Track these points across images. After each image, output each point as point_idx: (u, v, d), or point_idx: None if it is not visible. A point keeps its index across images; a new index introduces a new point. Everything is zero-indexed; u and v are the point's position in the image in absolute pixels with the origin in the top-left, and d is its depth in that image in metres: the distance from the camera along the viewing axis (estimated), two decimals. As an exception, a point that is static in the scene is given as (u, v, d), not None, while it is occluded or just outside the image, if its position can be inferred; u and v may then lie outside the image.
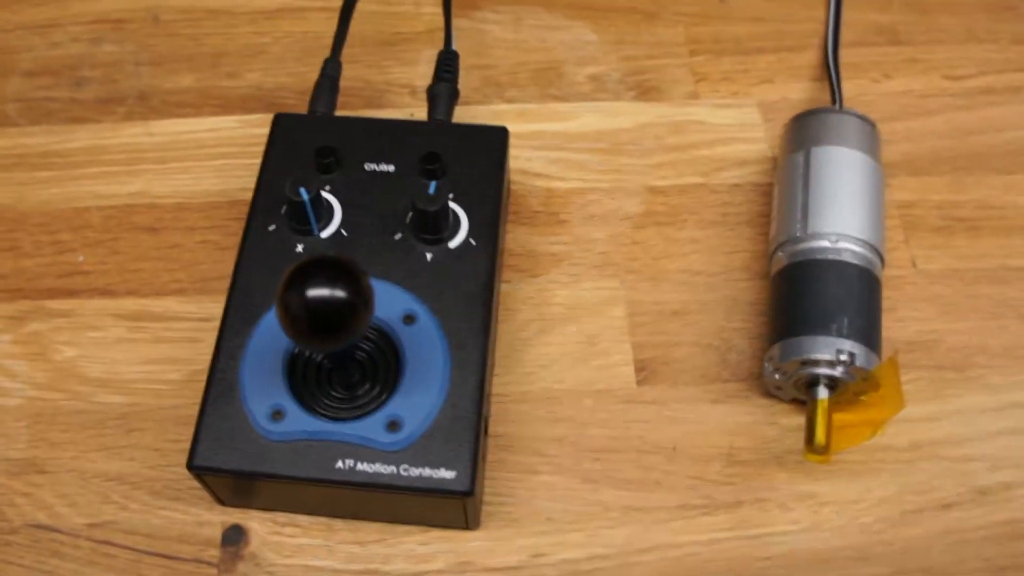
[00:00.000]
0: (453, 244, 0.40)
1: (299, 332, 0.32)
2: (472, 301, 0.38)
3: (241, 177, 0.47)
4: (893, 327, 0.44)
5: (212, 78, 0.51)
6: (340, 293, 0.31)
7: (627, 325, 0.43)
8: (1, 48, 0.53)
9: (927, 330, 0.44)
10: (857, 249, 0.41)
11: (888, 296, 0.44)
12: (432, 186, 0.40)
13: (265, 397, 0.36)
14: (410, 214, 0.40)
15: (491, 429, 0.40)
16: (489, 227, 0.40)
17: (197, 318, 0.43)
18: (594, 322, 0.43)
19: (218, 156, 0.48)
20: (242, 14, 0.54)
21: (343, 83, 0.47)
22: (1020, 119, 0.51)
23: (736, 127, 0.50)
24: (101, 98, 0.51)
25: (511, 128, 0.47)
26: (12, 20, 0.54)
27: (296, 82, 0.50)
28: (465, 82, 0.50)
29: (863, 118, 0.45)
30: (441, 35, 0.50)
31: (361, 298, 0.32)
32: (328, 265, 0.32)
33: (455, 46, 0.49)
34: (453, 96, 0.45)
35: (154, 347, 0.43)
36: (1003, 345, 0.44)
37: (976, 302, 0.45)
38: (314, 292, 0.31)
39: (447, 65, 0.46)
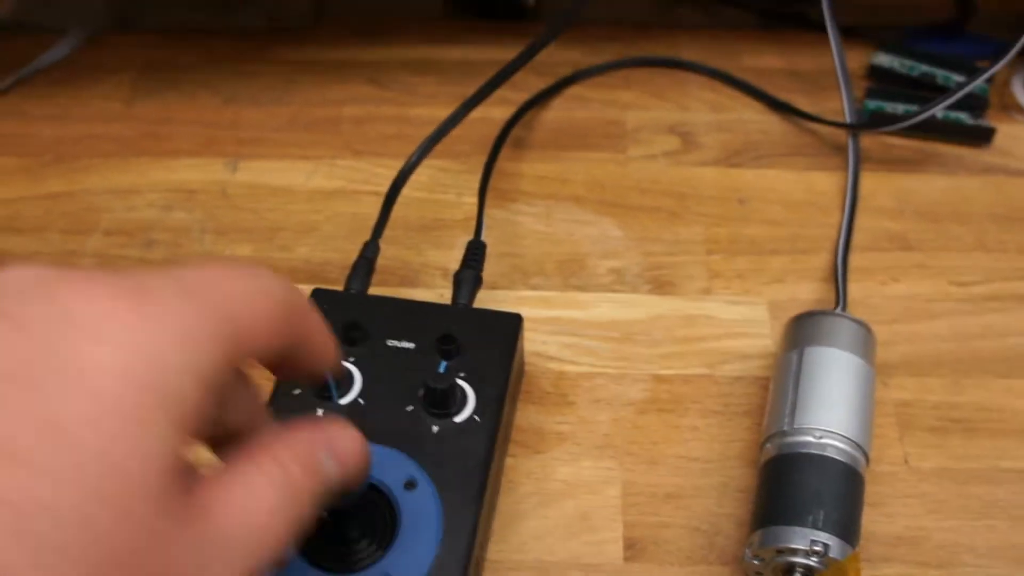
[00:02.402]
0: (459, 419, 0.43)
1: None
2: (470, 473, 0.41)
3: (282, 342, 0.51)
4: (880, 521, 0.46)
5: (267, 249, 0.56)
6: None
7: (620, 504, 0.46)
8: (88, 207, 0.59)
9: (914, 526, 0.46)
10: (840, 445, 0.43)
11: (877, 491, 0.46)
12: (443, 366, 0.44)
13: (271, 548, 0.39)
14: (422, 389, 0.43)
15: (483, 594, 0.43)
16: (494, 406, 0.44)
17: (227, 471, 0.47)
18: (590, 500, 0.46)
19: (264, 322, 0.53)
20: (301, 193, 0.59)
21: (383, 261, 0.52)
22: (1023, 326, 0.53)
23: (744, 323, 0.53)
24: (166, 259, 0.56)
25: (532, 314, 0.51)
26: (100, 184, 0.60)
27: (341, 258, 0.55)
28: (495, 268, 0.54)
29: (858, 322, 0.47)
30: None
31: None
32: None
33: (489, 235, 0.54)
34: (476, 282, 0.49)
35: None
36: (990, 545, 0.45)
37: (966, 501, 0.47)
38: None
39: (474, 253, 0.51)
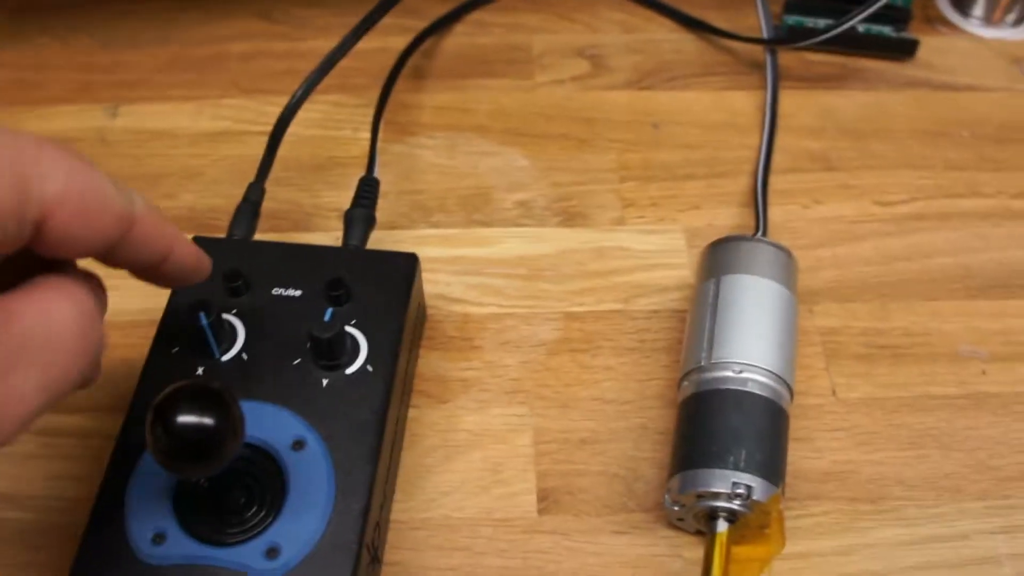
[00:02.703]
0: (350, 371, 0.40)
1: (163, 458, 0.32)
2: (363, 429, 0.38)
3: (164, 296, 0.47)
4: (809, 457, 0.43)
5: (150, 198, 0.51)
6: (206, 420, 0.31)
7: (533, 453, 0.43)
8: (-47, 166, 0.54)
9: (843, 460, 0.43)
10: (762, 380, 0.40)
11: (805, 426, 0.44)
12: (328, 313, 0.41)
13: (149, 519, 0.36)
14: (309, 340, 0.40)
15: (386, 556, 0.40)
16: (388, 354, 0.40)
17: (105, 435, 0.43)
18: (499, 449, 0.43)
19: (145, 276, 0.49)
20: (184, 136, 0.55)
21: (275, 205, 0.49)
22: (949, 245, 0.51)
23: (659, 253, 0.50)
24: (42, 217, 0.52)
25: (433, 253, 0.48)
26: (-35, 139, 0.56)
27: (228, 204, 0.50)
28: (394, 207, 0.51)
29: (777, 246, 0.45)
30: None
31: (227, 426, 0.32)
32: (195, 393, 0.32)
33: (387, 171, 0.51)
34: (369, 222, 0.46)
35: (62, 463, 0.43)
36: (921, 476, 0.43)
37: (896, 431, 0.44)
38: (181, 419, 0.31)
39: (366, 191, 0.47)
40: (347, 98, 0.56)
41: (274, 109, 0.54)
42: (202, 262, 0.36)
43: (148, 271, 0.34)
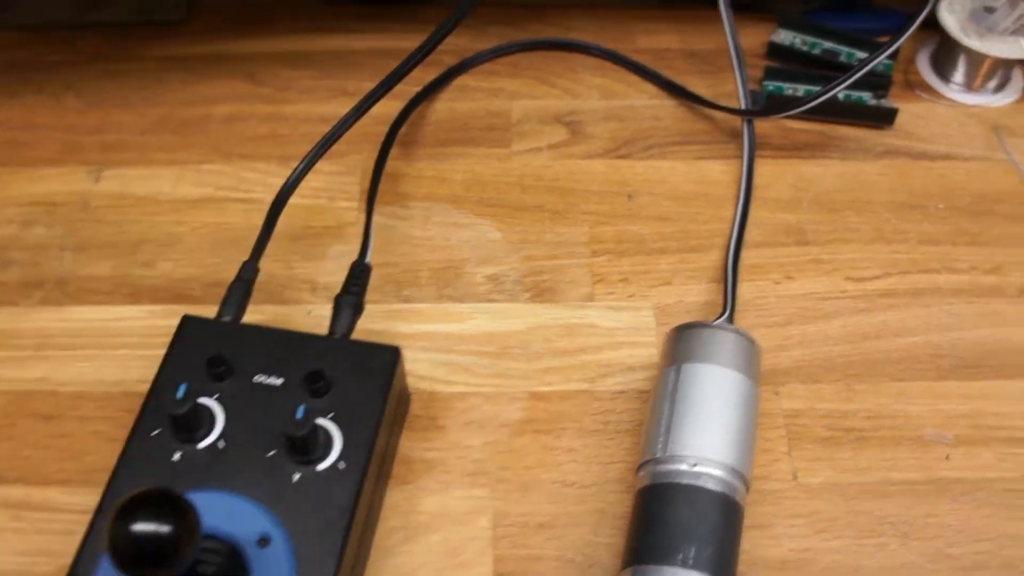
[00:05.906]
0: (321, 467, 0.40)
1: (119, 563, 0.32)
2: (330, 528, 0.39)
3: (139, 368, 0.48)
4: (766, 545, 0.44)
5: (128, 266, 0.53)
6: (163, 529, 0.32)
7: (491, 536, 0.44)
8: (-63, 228, 0.55)
9: (801, 548, 0.44)
10: (716, 473, 0.41)
11: (765, 512, 0.44)
12: (301, 410, 0.41)
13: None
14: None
15: (342, 645, 0.41)
16: (362, 450, 0.40)
17: (78, 510, 0.44)
18: (459, 532, 0.44)
19: (120, 346, 0.50)
20: (166, 202, 0.56)
21: (247, 276, 0.49)
22: (918, 323, 0.51)
23: (628, 331, 0.50)
24: (22, 281, 0.52)
25: (403, 329, 0.49)
26: (-50, 200, 0.56)
27: (204, 274, 0.52)
28: (367, 279, 0.52)
29: (740, 333, 0.45)
30: (351, 231, 0.52)
31: (183, 536, 0.33)
32: (152, 500, 0.33)
33: (359, 242, 0.51)
34: (356, 310, 0.46)
35: (31, 538, 0.44)
36: (878, 566, 0.43)
37: (855, 518, 0.45)
38: (138, 527, 0.32)
39: (356, 278, 0.47)
40: (323, 164, 0.56)
41: (253, 175, 0.55)
42: None
43: None
